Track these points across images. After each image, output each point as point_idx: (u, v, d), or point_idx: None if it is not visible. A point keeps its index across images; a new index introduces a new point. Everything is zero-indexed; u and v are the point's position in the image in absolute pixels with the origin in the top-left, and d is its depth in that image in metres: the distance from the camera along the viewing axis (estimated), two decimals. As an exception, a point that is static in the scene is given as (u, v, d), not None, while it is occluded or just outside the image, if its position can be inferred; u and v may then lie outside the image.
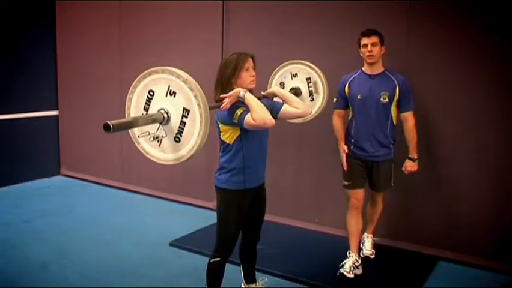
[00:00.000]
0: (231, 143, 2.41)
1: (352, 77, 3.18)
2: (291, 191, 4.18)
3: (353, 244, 3.22)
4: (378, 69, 3.11)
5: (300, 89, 3.13)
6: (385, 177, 3.19)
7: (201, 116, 1.91)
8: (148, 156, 2.14)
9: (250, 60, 2.42)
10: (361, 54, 3.10)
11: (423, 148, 3.49)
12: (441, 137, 3.45)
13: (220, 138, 2.44)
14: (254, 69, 2.44)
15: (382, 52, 3.07)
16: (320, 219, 4.06)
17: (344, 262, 3.17)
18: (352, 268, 3.13)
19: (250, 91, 2.38)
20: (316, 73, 3.08)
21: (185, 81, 1.92)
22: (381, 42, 3.04)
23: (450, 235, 3.49)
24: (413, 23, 3.44)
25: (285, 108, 2.51)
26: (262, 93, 2.58)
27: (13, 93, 5.20)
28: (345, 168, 3.16)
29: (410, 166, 3.16)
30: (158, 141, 2.05)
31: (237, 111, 2.28)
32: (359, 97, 3.10)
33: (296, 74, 3.12)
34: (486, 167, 3.32)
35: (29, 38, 5.29)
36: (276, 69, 3.20)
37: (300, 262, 3.37)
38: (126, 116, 2.09)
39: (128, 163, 5.20)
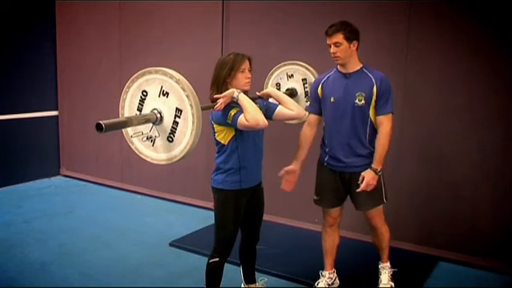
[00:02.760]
0: (226, 143, 2.41)
1: (326, 77, 2.77)
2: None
3: (327, 263, 2.99)
4: (354, 66, 2.67)
5: (295, 90, 3.12)
6: (367, 191, 2.65)
7: (193, 116, 1.93)
8: (141, 155, 2.15)
9: (247, 62, 2.43)
10: None
11: (423, 148, 3.49)
12: (441, 137, 3.45)
13: (215, 138, 2.45)
14: (250, 71, 2.44)
15: (354, 48, 2.63)
16: (319, 219, 4.04)
17: (316, 283, 2.99)
18: None
19: (245, 93, 2.39)
20: (312, 74, 3.08)
21: (177, 82, 1.94)
22: (349, 38, 2.60)
23: (450, 235, 3.49)
24: (413, 23, 3.44)
25: (280, 109, 2.53)
26: (257, 93, 2.59)
27: (13, 93, 5.20)
28: (283, 187, 2.79)
29: (369, 177, 2.59)
30: (151, 141, 2.07)
31: (231, 111, 2.30)
32: (332, 100, 2.69)
33: (292, 75, 3.11)
34: (486, 167, 3.32)
35: (29, 38, 5.29)
36: (272, 70, 3.20)
37: (300, 262, 3.37)
38: (120, 116, 2.10)
39: (128, 163, 5.20)
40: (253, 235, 2.71)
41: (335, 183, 2.79)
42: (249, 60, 2.44)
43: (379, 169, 2.63)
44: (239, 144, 2.42)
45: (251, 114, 2.24)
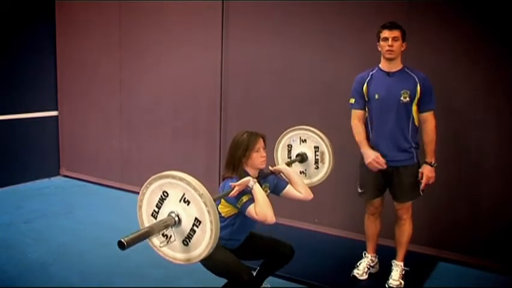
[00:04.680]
0: (225, 217, 2.46)
1: (369, 75, 2.97)
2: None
3: (369, 246, 3.21)
4: (397, 66, 2.88)
5: (306, 155, 3.12)
6: (408, 185, 2.91)
7: (211, 231, 1.92)
8: (159, 252, 2.13)
9: (261, 141, 2.48)
10: (379, 49, 2.90)
11: (422, 148, 3.49)
12: (441, 137, 3.45)
13: (217, 207, 2.43)
14: (264, 149, 2.49)
15: (403, 48, 2.86)
16: (319, 220, 4.06)
17: (358, 263, 3.19)
18: (366, 269, 3.16)
19: (260, 170, 2.50)
20: (325, 144, 3.04)
21: (200, 196, 1.91)
22: (403, 38, 2.84)
23: (450, 235, 3.49)
24: (413, 23, 3.44)
25: (288, 189, 2.61)
26: (270, 168, 2.65)
27: (13, 93, 5.20)
28: (381, 164, 2.87)
29: (427, 171, 2.86)
30: (166, 240, 2.05)
31: (243, 197, 2.33)
32: (376, 97, 2.89)
33: (305, 140, 3.11)
34: (486, 167, 3.33)
35: (29, 38, 5.29)
36: (286, 131, 3.15)
37: (299, 262, 3.33)
38: (137, 209, 2.08)
39: (128, 163, 5.20)
40: (283, 251, 2.64)
41: (376, 178, 2.98)
42: (263, 138, 2.50)
43: (433, 162, 2.87)
44: (236, 222, 2.47)
45: (261, 209, 2.29)
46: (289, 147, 3.15)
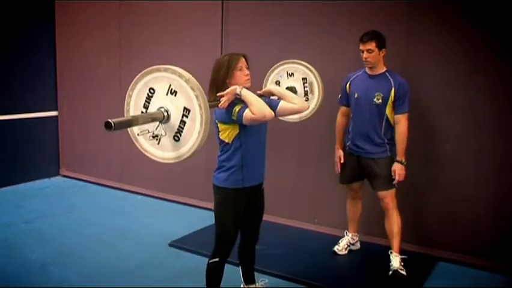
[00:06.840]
0: (230, 141, 2.40)
1: (355, 75, 3.25)
2: (291, 191, 4.17)
3: (350, 226, 3.53)
4: (379, 70, 3.13)
5: (295, 88, 3.13)
6: (381, 176, 3.13)
7: (201, 116, 1.90)
8: (146, 154, 2.12)
9: (243, 59, 2.42)
10: None
11: (423, 148, 3.50)
12: (441, 137, 3.46)
13: (218, 137, 2.44)
14: (248, 68, 2.43)
15: (382, 54, 3.08)
16: (319, 219, 4.05)
17: (340, 241, 3.52)
18: (346, 246, 3.49)
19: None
20: (313, 74, 3.08)
21: (187, 81, 1.90)
22: (380, 46, 3.04)
23: (450, 235, 3.49)
24: (413, 23, 3.45)
25: (282, 104, 2.47)
26: (259, 92, 2.58)
27: (13, 93, 5.20)
28: (337, 171, 3.37)
29: (398, 169, 3.07)
30: (157, 139, 2.04)
31: (235, 108, 2.29)
32: (355, 96, 3.19)
33: (292, 74, 3.12)
34: (486, 167, 3.32)
35: (29, 38, 5.29)
36: (272, 68, 3.19)
37: (299, 262, 3.37)
38: (125, 113, 2.06)
39: (128, 163, 5.20)
40: (253, 235, 2.71)
41: (353, 164, 3.29)
42: (245, 57, 2.43)
43: (403, 160, 3.08)
44: (242, 142, 2.41)
45: (257, 107, 2.24)
46: (277, 83, 3.17)
